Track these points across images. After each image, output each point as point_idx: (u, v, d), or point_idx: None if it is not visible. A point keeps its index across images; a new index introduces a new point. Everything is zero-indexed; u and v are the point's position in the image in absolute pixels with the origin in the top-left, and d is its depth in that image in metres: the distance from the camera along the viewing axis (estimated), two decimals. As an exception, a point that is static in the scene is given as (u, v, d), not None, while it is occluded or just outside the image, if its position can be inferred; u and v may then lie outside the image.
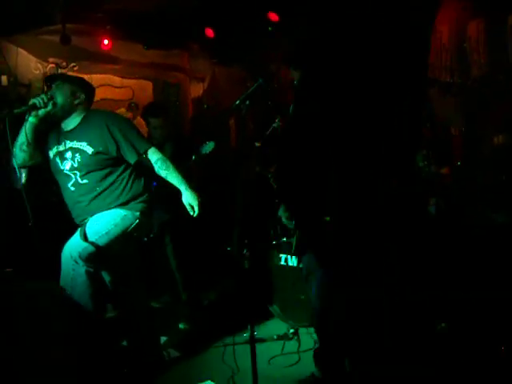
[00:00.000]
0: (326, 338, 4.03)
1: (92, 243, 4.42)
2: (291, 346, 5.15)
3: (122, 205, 4.61)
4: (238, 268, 5.60)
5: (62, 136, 4.67)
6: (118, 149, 4.55)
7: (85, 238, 4.43)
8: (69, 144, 4.60)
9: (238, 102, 3.48)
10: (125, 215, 4.59)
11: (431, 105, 8.13)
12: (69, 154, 4.58)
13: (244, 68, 10.00)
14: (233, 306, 5.68)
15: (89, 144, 4.52)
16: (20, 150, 4.58)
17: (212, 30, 9.02)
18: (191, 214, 4.56)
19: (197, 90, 10.90)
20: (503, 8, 7.33)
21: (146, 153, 4.61)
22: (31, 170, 4.92)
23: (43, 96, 4.46)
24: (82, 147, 4.54)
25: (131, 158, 4.60)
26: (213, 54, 10.15)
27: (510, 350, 4.25)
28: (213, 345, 5.27)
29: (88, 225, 4.52)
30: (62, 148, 4.64)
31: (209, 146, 5.86)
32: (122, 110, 10.12)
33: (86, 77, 9.83)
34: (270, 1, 8.19)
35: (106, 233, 4.50)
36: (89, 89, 4.85)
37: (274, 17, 8.21)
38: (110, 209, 4.58)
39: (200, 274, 6.12)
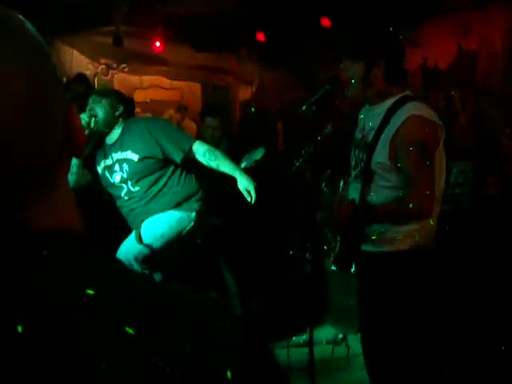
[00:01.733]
0: None
1: (147, 246, 4.47)
2: (340, 351, 5.16)
3: (177, 206, 4.63)
4: (299, 272, 5.59)
5: (107, 150, 4.69)
6: (163, 151, 4.54)
7: (140, 240, 4.48)
8: (115, 156, 4.62)
9: (304, 108, 3.48)
10: (180, 217, 4.62)
11: (481, 114, 8.09)
12: (117, 167, 4.60)
13: (292, 73, 10.04)
14: (287, 309, 5.69)
15: (133, 152, 4.54)
16: (71, 174, 4.62)
17: (263, 33, 9.06)
18: (248, 200, 4.44)
19: (245, 93, 10.97)
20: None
21: (190, 149, 4.57)
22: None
23: (84, 116, 4.48)
24: (127, 156, 4.56)
25: (177, 157, 4.58)
26: (262, 57, 10.21)
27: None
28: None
29: (143, 227, 4.55)
30: (109, 162, 4.66)
31: (258, 153, 5.76)
32: (170, 112, 10.21)
33: (135, 78, 10.12)
34: (323, 6, 8.21)
35: (161, 235, 4.53)
36: (125, 99, 4.89)
37: (326, 22, 8.22)
38: (164, 211, 4.61)
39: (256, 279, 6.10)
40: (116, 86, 9.65)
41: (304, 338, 5.03)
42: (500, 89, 8.06)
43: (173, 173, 4.67)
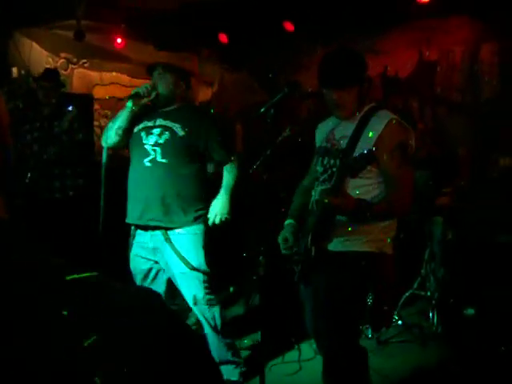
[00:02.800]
0: None
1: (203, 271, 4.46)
2: (291, 355, 5.15)
3: (199, 210, 4.51)
4: (249, 273, 5.57)
5: (155, 114, 4.51)
6: (206, 147, 4.46)
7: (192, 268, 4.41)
8: (160, 122, 4.46)
9: (262, 110, 3.47)
10: (204, 229, 4.51)
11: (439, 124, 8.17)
12: (156, 130, 4.43)
13: (253, 75, 10.04)
14: (236, 311, 5.68)
15: (182, 127, 4.40)
16: (116, 134, 4.49)
17: (226, 35, 9.05)
18: (208, 220, 4.50)
19: (205, 94, 10.92)
20: (517, 32, 7.38)
21: (231, 158, 4.56)
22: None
23: (147, 85, 4.38)
24: (174, 127, 4.40)
25: (218, 156, 4.54)
26: (223, 59, 10.19)
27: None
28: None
29: (185, 254, 4.42)
30: (150, 124, 4.49)
31: None
32: (129, 110, 10.13)
33: (96, 74, 10.01)
34: (286, 9, 8.22)
35: (203, 254, 4.48)
36: (189, 78, 4.74)
37: (289, 26, 8.24)
38: (184, 211, 4.45)
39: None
40: (75, 82, 9.54)
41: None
42: (458, 99, 8.16)
43: (200, 170, 4.56)
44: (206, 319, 4.41)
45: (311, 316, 3.55)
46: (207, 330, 4.42)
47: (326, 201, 3.15)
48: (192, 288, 4.41)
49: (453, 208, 6.24)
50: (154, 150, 4.40)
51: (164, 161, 4.38)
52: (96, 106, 9.65)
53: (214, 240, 4.57)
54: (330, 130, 3.60)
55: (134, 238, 4.57)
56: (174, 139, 4.38)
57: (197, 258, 4.40)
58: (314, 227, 3.38)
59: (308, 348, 5.21)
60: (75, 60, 9.56)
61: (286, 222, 3.75)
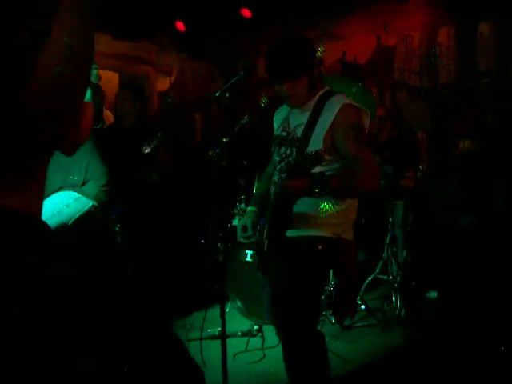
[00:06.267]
0: None
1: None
2: (255, 342, 5.13)
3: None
4: (209, 261, 5.51)
5: None
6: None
7: None
8: None
9: (217, 94, 3.42)
10: (78, 197, 4.49)
11: (399, 108, 8.20)
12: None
13: (213, 62, 9.97)
14: (197, 300, 5.61)
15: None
16: None
17: (182, 23, 8.95)
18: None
19: (163, 83, 10.83)
20: (474, 16, 7.42)
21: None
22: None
23: None
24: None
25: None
26: (181, 47, 10.10)
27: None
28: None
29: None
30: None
31: (158, 137, 5.58)
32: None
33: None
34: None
35: (58, 212, 4.42)
36: None
37: (246, 13, 8.18)
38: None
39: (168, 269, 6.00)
40: (30, 73, 9.39)
41: (219, 329, 4.98)
42: (417, 83, 8.20)
43: None
44: None
45: (269, 302, 3.53)
46: None
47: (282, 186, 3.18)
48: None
49: (413, 192, 6.26)
50: None
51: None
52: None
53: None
54: (285, 118, 3.58)
55: None
56: None
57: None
58: (271, 217, 3.35)
59: (272, 335, 5.19)
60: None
61: (248, 208, 3.74)
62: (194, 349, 4.57)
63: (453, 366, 4.37)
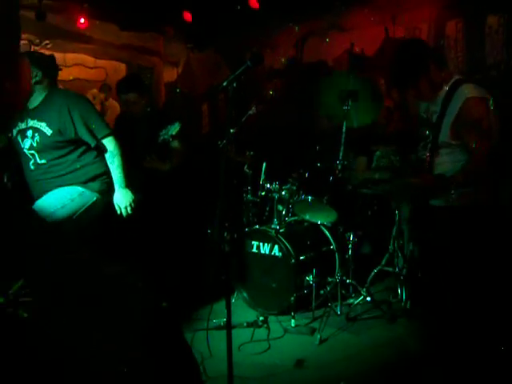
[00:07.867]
0: None
1: (47, 216, 4.37)
2: (261, 333, 5.12)
3: (82, 183, 4.60)
4: (216, 251, 5.51)
5: (25, 113, 4.59)
6: (76, 132, 4.51)
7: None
8: (30, 122, 4.54)
9: (225, 84, 3.41)
10: (83, 191, 4.58)
11: (405, 100, 8.17)
12: (29, 133, 4.53)
13: (219, 53, 9.95)
14: (203, 290, 5.61)
15: (48, 125, 4.48)
16: None
17: (190, 13, 8.93)
18: (118, 213, 4.74)
19: (171, 74, 10.82)
20: (482, 8, 7.38)
21: (104, 138, 4.61)
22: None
23: None
24: (41, 128, 4.48)
25: (91, 142, 4.58)
26: (188, 38, 10.08)
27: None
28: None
29: (44, 197, 4.48)
30: (23, 126, 4.58)
31: (175, 127, 5.61)
32: (94, 91, 10.01)
33: (59, 55, 9.84)
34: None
35: (62, 207, 4.45)
36: (48, 66, 4.70)
37: (254, 4, 8.16)
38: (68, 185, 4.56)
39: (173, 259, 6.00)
40: (38, 63, 9.39)
41: (224, 320, 4.97)
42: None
43: (84, 152, 4.64)
44: None
45: None
46: None
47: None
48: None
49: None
50: (32, 154, 4.57)
51: (43, 161, 4.55)
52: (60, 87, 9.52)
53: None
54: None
55: None
56: (46, 140, 4.50)
57: (52, 203, 4.46)
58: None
59: (277, 326, 5.19)
60: (37, 41, 9.40)
61: None
62: (199, 339, 4.61)
63: (458, 358, 4.36)
